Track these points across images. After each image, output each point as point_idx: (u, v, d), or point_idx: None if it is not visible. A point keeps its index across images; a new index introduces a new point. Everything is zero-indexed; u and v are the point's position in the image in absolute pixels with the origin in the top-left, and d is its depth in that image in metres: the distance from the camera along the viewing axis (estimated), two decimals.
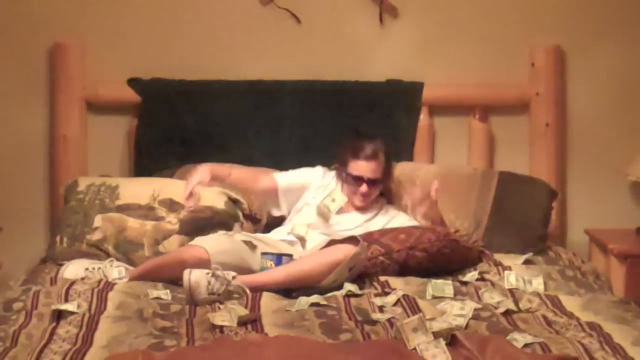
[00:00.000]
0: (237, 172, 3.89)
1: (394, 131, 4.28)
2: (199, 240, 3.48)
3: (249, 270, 3.41)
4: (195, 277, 3.12)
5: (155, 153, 4.22)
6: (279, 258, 3.42)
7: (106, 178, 4.01)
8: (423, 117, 4.33)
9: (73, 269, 3.44)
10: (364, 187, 3.80)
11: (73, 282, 3.27)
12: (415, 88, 4.30)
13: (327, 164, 4.08)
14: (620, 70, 4.36)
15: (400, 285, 3.33)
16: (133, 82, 4.26)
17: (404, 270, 3.48)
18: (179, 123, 4.23)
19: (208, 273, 3.15)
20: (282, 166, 4.05)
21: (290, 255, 3.46)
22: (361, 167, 3.81)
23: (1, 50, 4.27)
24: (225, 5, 4.31)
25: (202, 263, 3.28)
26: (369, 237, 3.53)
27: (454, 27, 4.35)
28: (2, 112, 4.30)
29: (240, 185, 3.90)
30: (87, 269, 3.43)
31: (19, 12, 4.25)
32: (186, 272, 3.14)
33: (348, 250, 3.29)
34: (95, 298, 3.10)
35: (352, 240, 3.35)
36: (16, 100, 4.30)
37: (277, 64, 4.28)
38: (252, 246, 3.51)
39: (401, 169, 4.11)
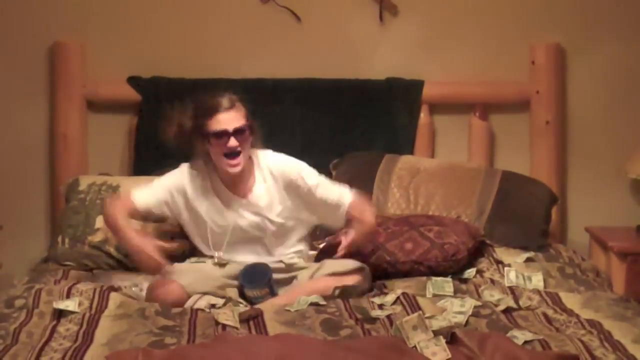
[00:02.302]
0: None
1: (394, 129, 4.28)
2: (172, 271, 3.34)
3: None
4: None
5: (155, 151, 4.21)
6: (271, 288, 3.32)
7: (107, 177, 4.01)
8: (423, 115, 4.32)
9: None
10: (232, 141, 3.33)
11: (76, 282, 3.29)
12: (415, 86, 4.30)
13: (327, 162, 4.09)
14: (620, 68, 4.36)
15: (398, 284, 3.34)
16: (133, 81, 4.26)
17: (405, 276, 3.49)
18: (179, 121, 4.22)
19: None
20: None
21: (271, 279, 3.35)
22: (221, 119, 3.34)
23: (1, 49, 4.27)
24: (225, 3, 4.30)
25: (180, 301, 3.21)
26: (373, 239, 3.53)
27: (454, 25, 4.35)
28: (3, 111, 4.29)
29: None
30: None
31: (19, 11, 4.25)
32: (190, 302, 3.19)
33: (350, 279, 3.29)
34: (97, 297, 3.11)
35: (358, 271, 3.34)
36: (16, 99, 4.30)
37: (277, 62, 4.28)
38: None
39: (403, 162, 4.11)
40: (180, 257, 3.61)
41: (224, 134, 3.34)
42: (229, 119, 3.35)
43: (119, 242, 3.49)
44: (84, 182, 3.97)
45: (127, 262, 3.68)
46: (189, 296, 3.25)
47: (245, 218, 3.45)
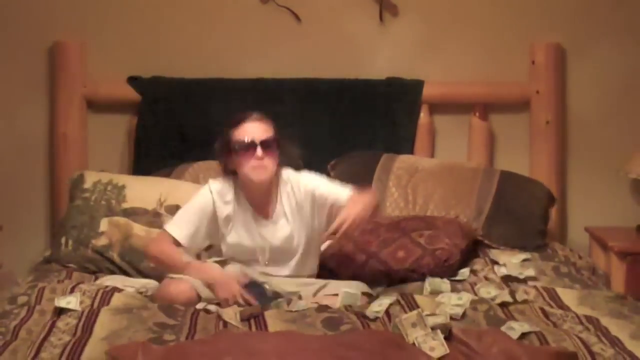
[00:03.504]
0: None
1: (394, 129, 4.28)
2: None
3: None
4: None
5: (155, 151, 4.22)
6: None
7: (113, 176, 3.97)
8: (423, 115, 4.33)
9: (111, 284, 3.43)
10: (258, 151, 3.27)
11: (80, 282, 3.29)
12: (415, 86, 4.30)
13: (327, 162, 4.09)
14: (620, 68, 4.36)
15: (393, 292, 3.34)
16: (133, 81, 4.26)
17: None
18: (178, 121, 4.23)
19: None
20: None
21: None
22: (249, 129, 3.31)
23: (1, 48, 4.28)
24: (225, 3, 4.31)
25: (191, 301, 3.15)
26: (366, 249, 3.53)
27: (454, 25, 4.35)
28: (3, 110, 4.30)
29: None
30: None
31: (19, 10, 4.26)
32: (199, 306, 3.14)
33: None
34: (100, 295, 3.11)
35: None
36: (16, 98, 4.30)
37: (277, 62, 4.29)
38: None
39: (401, 161, 4.11)
40: None
41: (251, 145, 3.29)
42: (257, 130, 3.31)
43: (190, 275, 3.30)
44: (90, 180, 3.93)
45: (129, 270, 3.67)
46: (199, 297, 3.19)
47: (268, 240, 3.38)
